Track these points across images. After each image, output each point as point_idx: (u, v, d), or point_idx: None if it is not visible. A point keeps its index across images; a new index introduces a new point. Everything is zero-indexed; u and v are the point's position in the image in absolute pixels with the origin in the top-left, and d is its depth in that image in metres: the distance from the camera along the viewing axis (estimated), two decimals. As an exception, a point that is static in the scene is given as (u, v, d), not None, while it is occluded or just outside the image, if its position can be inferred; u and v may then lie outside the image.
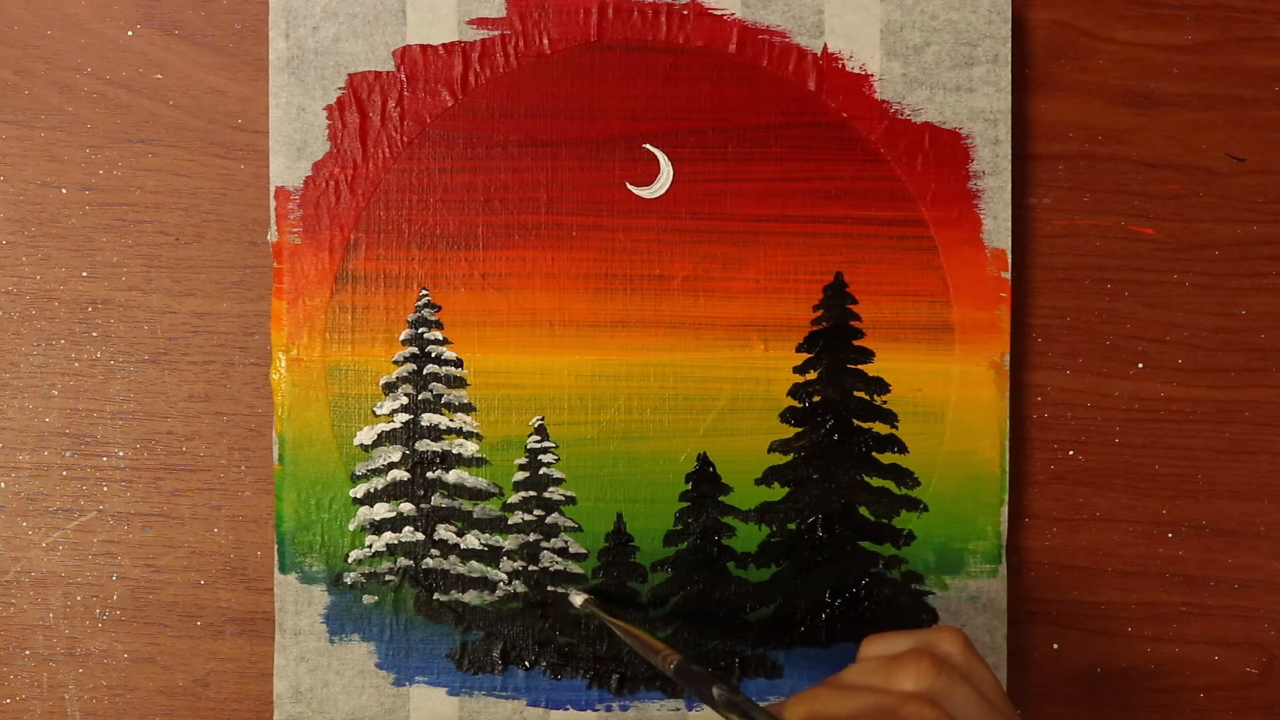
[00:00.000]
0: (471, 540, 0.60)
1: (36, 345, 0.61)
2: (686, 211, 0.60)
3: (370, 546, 0.59)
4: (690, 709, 0.60)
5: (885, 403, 0.60)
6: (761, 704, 0.49)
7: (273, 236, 0.59)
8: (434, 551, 0.60)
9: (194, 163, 0.61)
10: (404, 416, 0.60)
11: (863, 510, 0.60)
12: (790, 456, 0.60)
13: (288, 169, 0.59)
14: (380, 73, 0.59)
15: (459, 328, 0.60)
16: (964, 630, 0.59)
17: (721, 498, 0.60)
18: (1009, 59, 0.60)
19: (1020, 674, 0.61)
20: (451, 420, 0.60)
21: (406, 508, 0.60)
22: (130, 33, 0.61)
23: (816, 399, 0.60)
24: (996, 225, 0.60)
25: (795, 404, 0.60)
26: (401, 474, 0.60)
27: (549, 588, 0.60)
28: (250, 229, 0.61)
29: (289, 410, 0.59)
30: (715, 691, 0.49)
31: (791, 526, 0.60)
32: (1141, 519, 0.62)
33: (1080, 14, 0.62)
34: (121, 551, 0.61)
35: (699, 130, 0.60)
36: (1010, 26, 0.60)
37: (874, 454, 0.60)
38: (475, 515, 0.60)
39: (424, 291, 0.60)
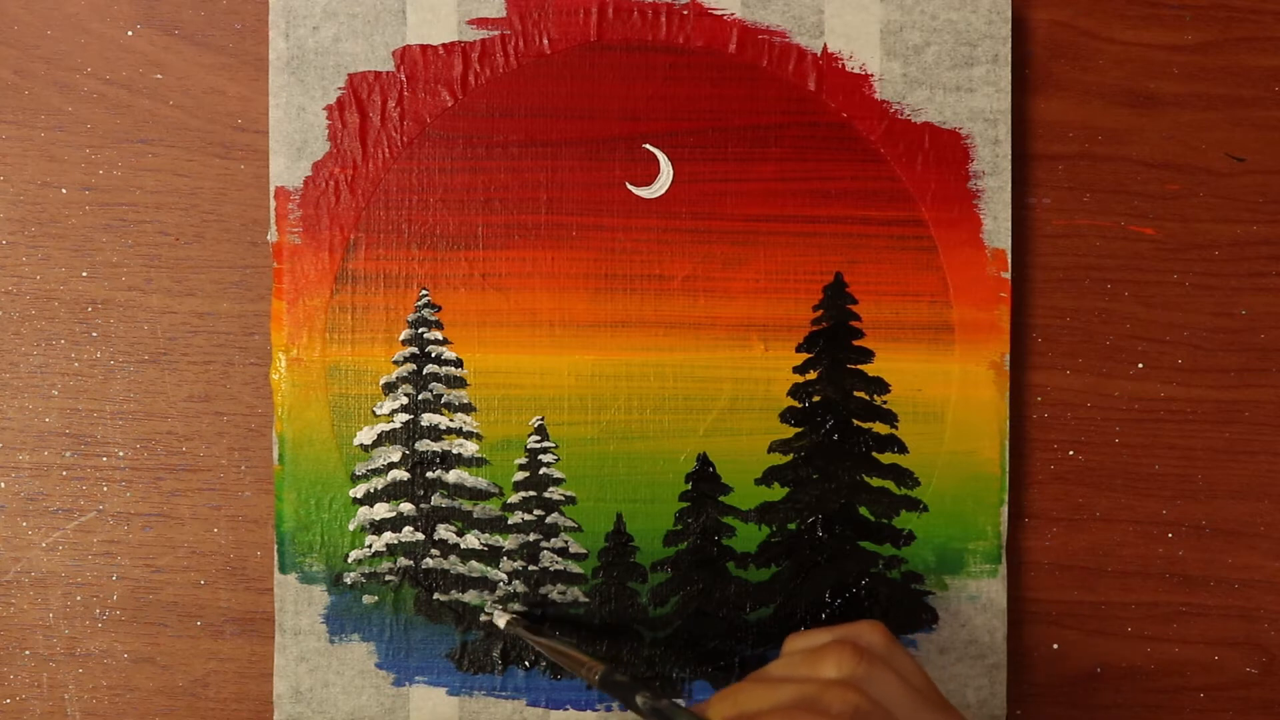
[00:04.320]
0: (471, 540, 0.60)
1: (36, 345, 0.61)
2: (686, 211, 0.60)
3: (370, 546, 0.59)
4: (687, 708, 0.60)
5: (885, 403, 0.60)
6: (687, 705, 0.50)
7: (273, 236, 0.59)
8: (434, 551, 0.60)
9: (194, 163, 0.61)
10: (404, 416, 0.60)
11: (863, 510, 0.60)
12: (790, 456, 0.60)
13: (288, 169, 0.59)
14: (380, 73, 0.59)
15: (459, 328, 0.60)
16: (972, 638, 0.59)
17: (721, 498, 0.60)
18: (1009, 59, 0.60)
19: (1020, 674, 0.61)
20: (451, 420, 0.60)
21: (406, 508, 0.60)
22: (130, 33, 0.61)
23: (816, 399, 0.60)
24: (996, 225, 0.60)
25: (795, 404, 0.60)
26: (401, 474, 0.60)
27: (545, 589, 0.60)
28: (250, 229, 0.61)
29: (289, 410, 0.59)
30: (639, 700, 0.49)
31: (791, 526, 0.60)
32: (1141, 519, 0.62)
33: (1080, 14, 0.62)
34: (121, 551, 0.61)
35: (699, 130, 0.60)
36: (1010, 26, 0.60)
37: (874, 454, 0.60)
38: (475, 515, 0.60)
39: (424, 291, 0.60)
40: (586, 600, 0.60)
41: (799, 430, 0.60)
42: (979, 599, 0.60)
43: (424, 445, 0.60)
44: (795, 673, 0.48)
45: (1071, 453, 0.62)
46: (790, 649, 0.51)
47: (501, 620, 0.58)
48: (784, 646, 0.52)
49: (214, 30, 0.61)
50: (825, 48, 0.60)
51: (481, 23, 0.60)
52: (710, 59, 0.60)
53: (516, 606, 0.59)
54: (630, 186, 0.60)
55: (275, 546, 0.59)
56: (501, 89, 0.60)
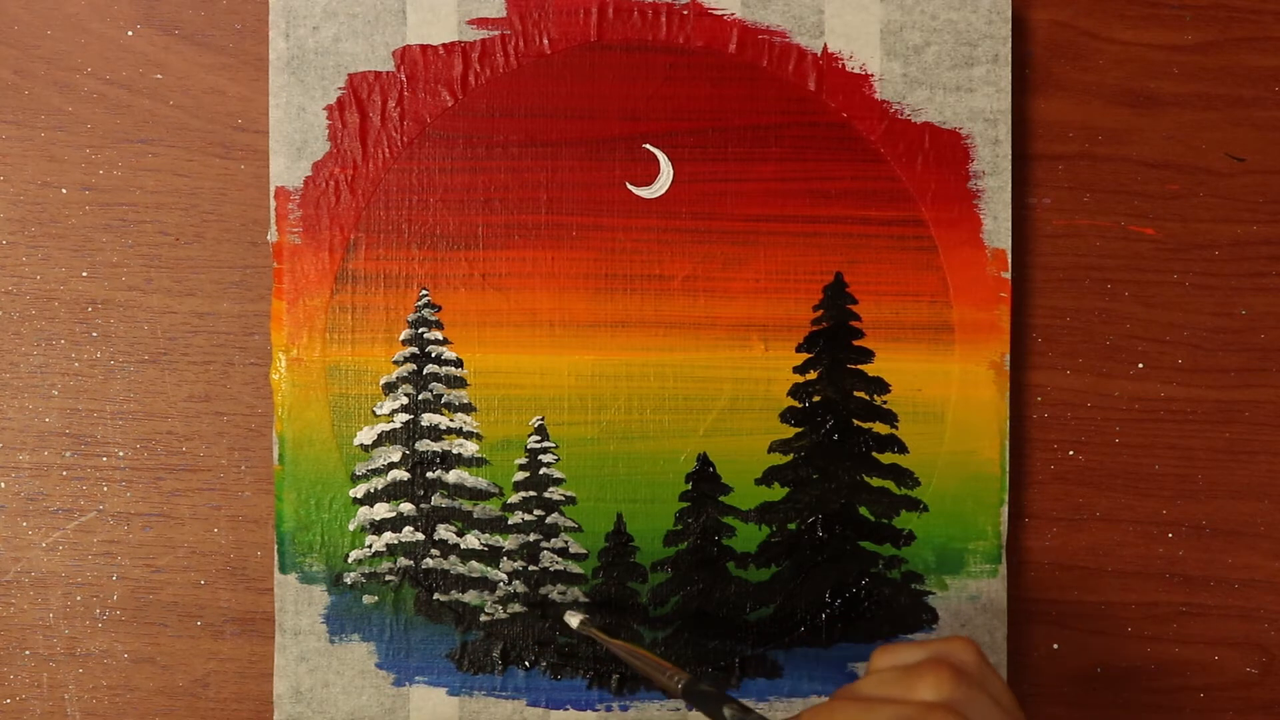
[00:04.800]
0: (471, 540, 0.60)
1: (36, 345, 0.61)
2: (686, 211, 0.60)
3: (370, 546, 0.59)
4: (691, 709, 0.60)
5: (885, 403, 0.60)
6: (776, 717, 0.49)
7: (273, 236, 0.59)
8: (434, 551, 0.60)
9: (194, 163, 0.61)
10: (404, 416, 0.60)
11: (863, 510, 0.60)
12: (790, 456, 0.60)
13: (288, 169, 0.59)
14: (380, 73, 0.59)
15: (459, 328, 0.60)
16: (972, 637, 0.59)
17: (721, 498, 0.60)
18: (1009, 59, 0.60)
19: (1020, 674, 0.61)
20: (451, 420, 0.60)
21: (406, 508, 0.60)
22: (130, 33, 0.61)
23: (816, 399, 0.60)
24: (996, 225, 0.60)
25: (795, 404, 0.60)
26: (401, 474, 0.60)
27: (545, 589, 0.60)
28: (250, 229, 0.61)
29: (289, 410, 0.59)
30: (726, 711, 0.48)
31: (791, 526, 0.60)
32: (1141, 519, 0.62)
33: (1080, 14, 0.62)
34: (121, 551, 0.61)
35: (699, 130, 0.60)
36: (1010, 26, 0.60)
37: (874, 454, 0.60)
38: (475, 515, 0.60)
39: (424, 291, 0.60)
40: (587, 600, 0.60)
41: (799, 430, 0.60)
42: (979, 599, 0.60)
43: (424, 445, 0.60)
44: (889, 692, 0.46)
45: (1071, 453, 0.62)
46: (879, 665, 0.49)
47: (574, 620, 0.58)
48: (872, 662, 0.49)
49: (214, 30, 0.61)
50: (825, 48, 0.60)
51: (481, 23, 0.60)
52: (710, 59, 0.60)
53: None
54: (630, 186, 0.60)
55: (275, 546, 0.59)
56: (501, 89, 0.60)
